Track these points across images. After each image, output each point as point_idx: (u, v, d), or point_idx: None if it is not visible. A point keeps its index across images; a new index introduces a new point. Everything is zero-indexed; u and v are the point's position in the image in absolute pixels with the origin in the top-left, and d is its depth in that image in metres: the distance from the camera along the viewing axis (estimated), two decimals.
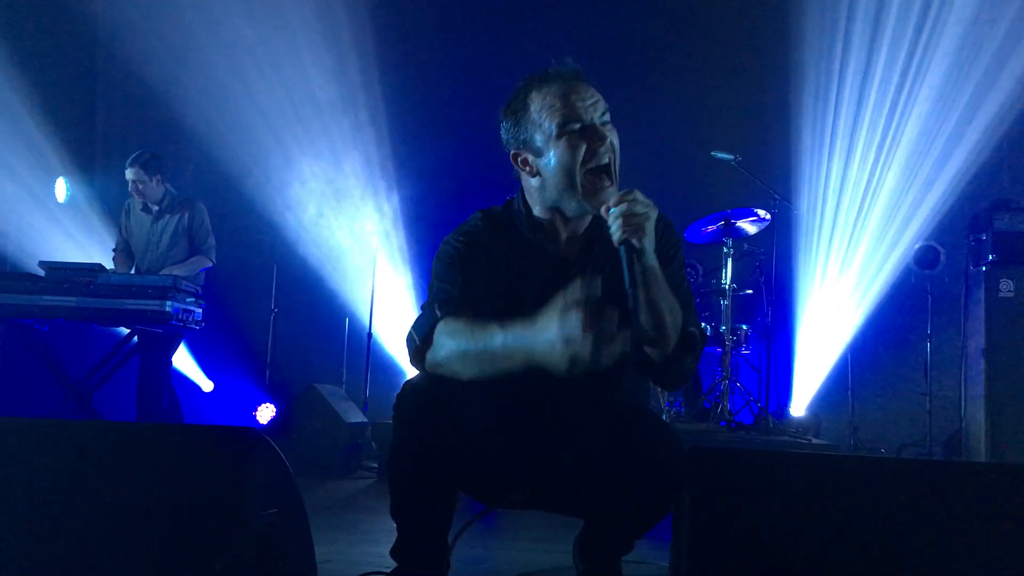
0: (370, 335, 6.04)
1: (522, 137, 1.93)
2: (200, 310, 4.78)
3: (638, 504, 1.92)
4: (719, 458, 1.74)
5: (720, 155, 5.48)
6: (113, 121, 7.04)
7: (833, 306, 6.33)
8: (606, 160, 1.89)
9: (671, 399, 5.59)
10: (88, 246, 6.20)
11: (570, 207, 1.94)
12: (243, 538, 1.55)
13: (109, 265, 5.06)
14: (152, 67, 6.52)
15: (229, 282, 6.08)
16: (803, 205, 6.43)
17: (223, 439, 1.69)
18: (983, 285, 5.01)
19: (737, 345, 5.56)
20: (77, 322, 4.54)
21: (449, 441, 1.81)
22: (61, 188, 6.30)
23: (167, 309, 4.41)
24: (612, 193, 1.85)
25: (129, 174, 5.01)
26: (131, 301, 4.42)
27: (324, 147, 6.77)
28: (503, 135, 2.00)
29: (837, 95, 6.39)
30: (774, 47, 6.46)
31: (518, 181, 2.06)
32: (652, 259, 1.80)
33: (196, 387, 6.60)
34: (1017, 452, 4.80)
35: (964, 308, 5.34)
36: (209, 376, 6.75)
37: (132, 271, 5.09)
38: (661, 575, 2.52)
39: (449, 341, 1.78)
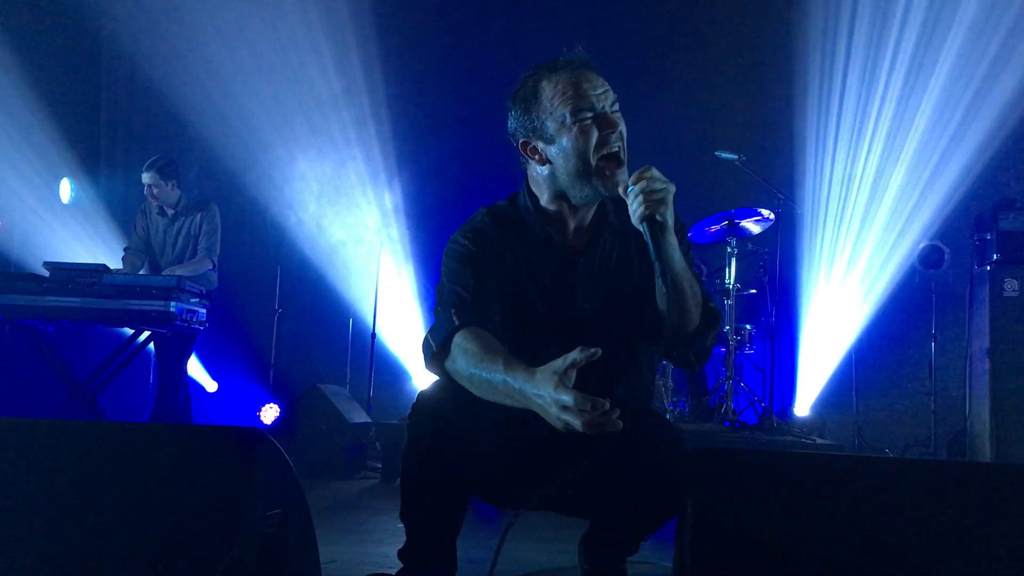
0: (374, 335, 6.04)
1: (532, 125, 1.94)
2: (204, 310, 4.80)
3: (643, 506, 1.93)
4: (723, 458, 1.73)
5: (724, 155, 5.48)
6: (117, 122, 7.05)
7: (837, 306, 6.32)
8: (616, 147, 1.91)
9: (675, 399, 5.59)
10: (92, 247, 6.22)
11: (582, 193, 1.95)
12: (247, 538, 1.55)
13: (115, 265, 5.08)
14: (156, 68, 6.53)
15: (233, 283, 6.08)
16: (807, 205, 6.42)
17: (227, 439, 1.69)
18: (988, 284, 4.99)
19: (741, 345, 5.55)
20: (81, 323, 4.56)
21: (462, 448, 1.82)
22: (65, 189, 6.31)
23: (171, 310, 4.43)
24: (624, 175, 1.87)
25: (145, 179, 5.05)
26: (135, 302, 4.43)
27: (327, 147, 6.78)
28: (511, 124, 2.00)
29: (841, 95, 6.38)
30: (778, 47, 6.46)
31: (523, 171, 2.06)
32: (673, 235, 1.82)
33: (200, 387, 6.61)
34: (1022, 452, 4.79)
35: (969, 308, 5.33)
36: (213, 376, 6.76)
37: (141, 271, 5.12)
38: (665, 575, 2.52)
39: (461, 360, 1.79)
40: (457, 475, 1.86)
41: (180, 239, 5.15)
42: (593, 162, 1.89)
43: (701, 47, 6.59)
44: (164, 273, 4.89)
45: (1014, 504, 1.57)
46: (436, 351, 1.85)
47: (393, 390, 6.43)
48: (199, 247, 5.14)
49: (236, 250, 6.08)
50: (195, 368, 6.58)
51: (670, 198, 1.80)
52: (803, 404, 6.28)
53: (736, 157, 5.46)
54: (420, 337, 1.94)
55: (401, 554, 1.96)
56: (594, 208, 2.04)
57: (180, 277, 4.58)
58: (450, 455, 1.82)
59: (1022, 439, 4.82)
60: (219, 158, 6.64)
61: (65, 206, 6.30)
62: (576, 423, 1.52)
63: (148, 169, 5.05)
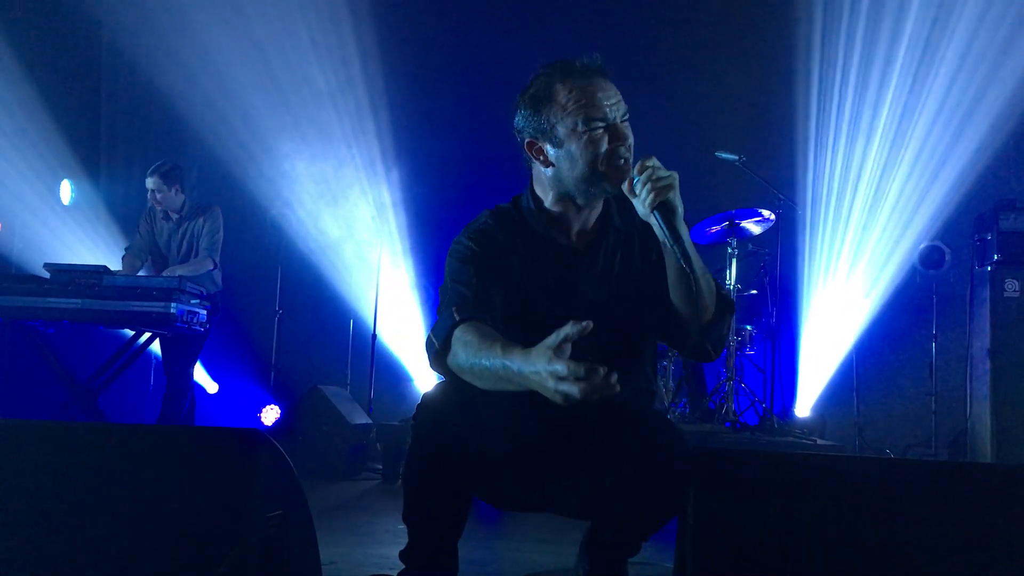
0: (374, 336, 6.04)
1: (541, 126, 1.93)
2: (205, 312, 4.80)
3: (645, 506, 1.93)
4: (724, 459, 1.74)
5: (724, 155, 5.48)
6: (118, 123, 7.05)
7: (838, 306, 6.32)
8: (624, 159, 1.91)
9: (676, 400, 5.59)
10: (93, 248, 6.22)
11: (587, 194, 1.96)
12: (248, 540, 1.55)
13: (115, 265, 5.08)
14: (157, 70, 6.53)
15: (234, 283, 6.08)
16: (807, 205, 6.43)
17: (228, 441, 1.69)
18: (988, 285, 4.99)
19: (742, 346, 5.55)
20: (82, 324, 4.56)
21: (465, 450, 1.82)
22: (66, 190, 6.32)
23: (172, 311, 4.43)
24: (630, 176, 1.88)
25: (149, 184, 5.07)
26: (136, 303, 4.44)
27: (328, 148, 6.78)
28: (519, 121, 1.99)
29: (841, 95, 6.38)
30: (778, 47, 6.46)
31: (527, 170, 2.07)
32: (683, 221, 1.83)
33: (201, 389, 6.61)
34: (1022, 452, 4.79)
35: (969, 308, 5.33)
36: (214, 378, 6.76)
37: (140, 272, 5.12)
38: (666, 575, 2.52)
39: (461, 352, 1.79)
40: (460, 477, 1.86)
41: (185, 243, 5.16)
42: (601, 167, 1.90)
43: (701, 48, 6.59)
44: (165, 274, 4.89)
45: (1015, 504, 1.57)
46: (439, 348, 1.86)
47: (394, 391, 6.44)
48: (200, 247, 5.15)
49: (237, 251, 6.08)
50: (196, 369, 6.57)
51: (676, 183, 1.81)
52: (804, 405, 6.28)
53: (736, 158, 5.46)
54: (421, 338, 1.96)
55: (403, 555, 1.96)
56: (598, 210, 2.05)
57: (181, 278, 4.58)
58: (453, 457, 1.82)
59: (1023, 440, 4.81)
60: (219, 159, 6.64)
61: (65, 207, 6.30)
62: (573, 390, 1.51)
63: (152, 174, 5.07)
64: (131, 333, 4.86)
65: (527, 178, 2.10)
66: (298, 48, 6.64)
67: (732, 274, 5.44)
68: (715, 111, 6.45)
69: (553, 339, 1.57)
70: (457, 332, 1.82)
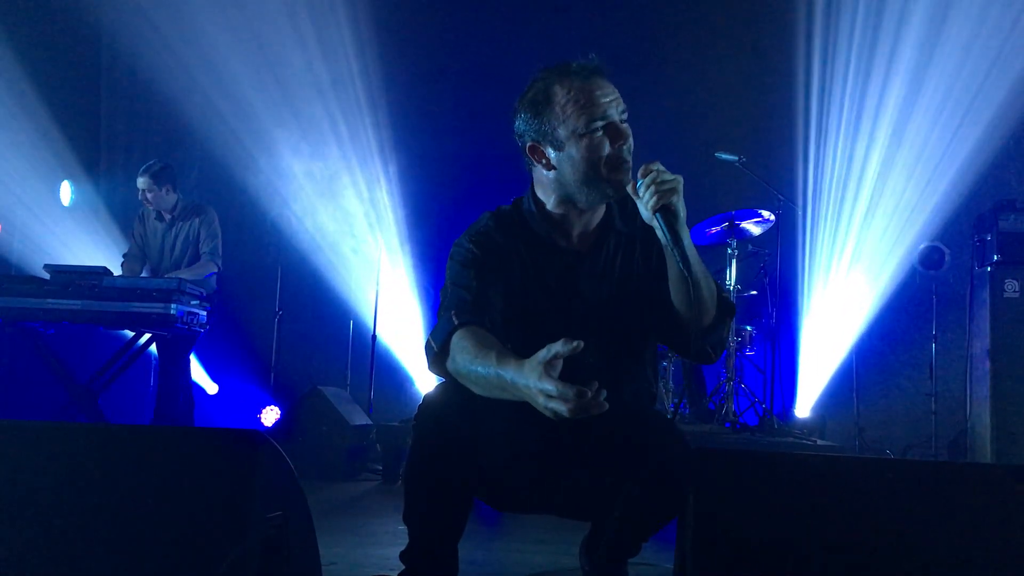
0: (374, 337, 6.04)
1: (542, 129, 1.93)
2: (205, 312, 4.80)
3: (646, 506, 1.93)
4: (724, 460, 1.74)
5: (724, 156, 5.48)
6: (118, 125, 7.06)
7: (837, 307, 6.32)
8: (625, 161, 1.92)
9: (675, 400, 5.59)
10: (93, 249, 6.22)
11: (589, 197, 1.97)
12: (248, 541, 1.55)
13: (116, 270, 5.08)
14: (156, 71, 6.54)
15: (233, 285, 6.09)
16: (807, 206, 6.43)
17: (228, 441, 1.69)
18: (988, 285, 5.00)
19: (742, 346, 5.55)
20: (82, 325, 4.56)
21: (467, 454, 1.83)
22: (66, 192, 6.32)
23: (172, 312, 4.43)
24: (630, 176, 1.89)
25: (140, 184, 5.07)
26: (136, 304, 4.44)
27: (328, 149, 6.78)
28: (519, 125, 1.99)
29: (841, 95, 6.38)
30: (778, 48, 6.46)
31: (528, 173, 2.07)
32: (685, 225, 1.84)
33: (201, 390, 6.61)
34: (1022, 452, 4.79)
35: (969, 309, 5.33)
36: (214, 379, 6.76)
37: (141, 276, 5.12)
38: None
39: (459, 358, 1.80)
40: (461, 477, 1.86)
41: (178, 244, 5.16)
42: (603, 170, 1.90)
43: (701, 48, 6.60)
44: (168, 276, 4.89)
45: (1015, 505, 1.57)
46: (437, 352, 1.86)
47: (394, 392, 6.44)
48: (202, 252, 5.15)
49: (236, 252, 6.09)
50: (196, 370, 6.58)
51: (680, 187, 1.82)
52: (804, 405, 6.28)
53: (736, 158, 5.46)
54: (421, 339, 1.96)
55: (403, 556, 1.96)
56: (600, 213, 2.05)
57: (181, 279, 4.59)
58: (454, 457, 1.83)
59: (1023, 440, 4.81)
60: (219, 160, 6.65)
61: (65, 209, 6.30)
62: (561, 410, 1.52)
63: (142, 174, 5.07)
64: (131, 334, 4.87)
65: (527, 178, 2.10)
66: (298, 49, 6.65)
67: (732, 275, 5.44)
68: (715, 112, 6.45)
69: (543, 354, 1.57)
70: (455, 337, 1.83)
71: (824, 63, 6.39)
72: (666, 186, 1.79)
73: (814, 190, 6.48)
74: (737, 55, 6.56)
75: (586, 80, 1.91)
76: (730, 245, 5.46)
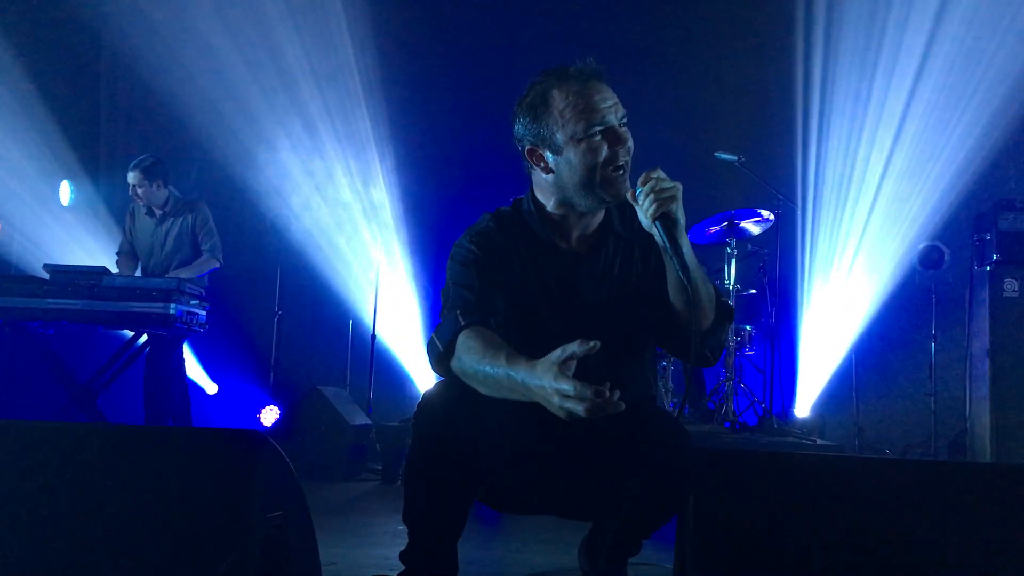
0: (374, 337, 6.04)
1: (541, 133, 1.94)
2: (204, 312, 4.80)
3: (648, 501, 1.93)
4: (723, 459, 1.74)
5: (723, 156, 5.48)
6: (117, 124, 7.05)
7: (837, 306, 6.32)
8: (623, 162, 1.92)
9: (675, 400, 5.59)
10: (92, 249, 6.22)
11: (586, 202, 1.97)
12: (247, 541, 1.55)
13: (113, 268, 5.08)
14: (156, 71, 6.53)
15: (233, 284, 6.08)
16: (807, 205, 6.42)
17: (227, 442, 1.69)
18: (988, 285, 5.00)
19: (741, 346, 5.55)
20: (82, 325, 4.56)
21: (467, 452, 1.83)
22: (65, 191, 6.32)
23: (171, 312, 4.43)
24: (628, 183, 1.91)
25: (130, 178, 5.07)
26: (135, 304, 4.44)
27: (328, 149, 6.78)
28: (518, 129, 2.00)
29: (841, 95, 6.38)
30: (777, 47, 6.46)
31: (528, 176, 2.07)
32: (685, 232, 1.85)
33: (200, 390, 6.61)
34: (1022, 452, 4.79)
35: (969, 308, 5.33)
36: (213, 378, 6.76)
37: (136, 273, 5.11)
38: None
39: (465, 358, 1.80)
40: (460, 475, 1.86)
41: (169, 240, 5.14)
42: (599, 175, 1.91)
43: (700, 48, 6.60)
44: (167, 276, 4.89)
45: (1015, 504, 1.57)
46: (442, 352, 1.86)
47: (393, 392, 6.43)
48: (203, 248, 5.14)
49: (236, 252, 6.08)
50: (195, 370, 6.58)
51: (680, 195, 1.83)
52: (803, 405, 6.27)
53: (735, 158, 5.46)
54: (420, 339, 1.97)
55: (402, 556, 1.96)
56: (599, 215, 2.06)
57: (180, 279, 4.59)
58: (453, 455, 1.83)
59: (1022, 439, 4.82)
60: (219, 160, 6.64)
61: (65, 208, 6.30)
62: (578, 410, 1.53)
63: (132, 169, 5.07)
64: (130, 334, 4.86)
65: (527, 179, 2.10)
66: (297, 49, 6.64)
67: (731, 274, 5.44)
68: (714, 111, 6.45)
69: (558, 355, 1.57)
70: (461, 337, 1.83)
71: (824, 63, 6.39)
72: (665, 194, 1.80)
73: (813, 189, 6.48)
74: (737, 55, 6.56)
75: (584, 84, 1.91)
76: (729, 244, 5.46)
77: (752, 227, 5.53)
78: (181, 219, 5.15)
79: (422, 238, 6.78)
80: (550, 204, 2.03)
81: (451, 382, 1.86)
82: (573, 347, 1.56)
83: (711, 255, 5.91)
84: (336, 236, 6.72)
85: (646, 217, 1.83)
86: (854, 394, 6.13)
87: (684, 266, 1.80)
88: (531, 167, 2.02)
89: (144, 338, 4.85)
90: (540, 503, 2.14)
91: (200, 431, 1.83)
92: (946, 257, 5.84)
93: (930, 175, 6.15)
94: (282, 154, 6.74)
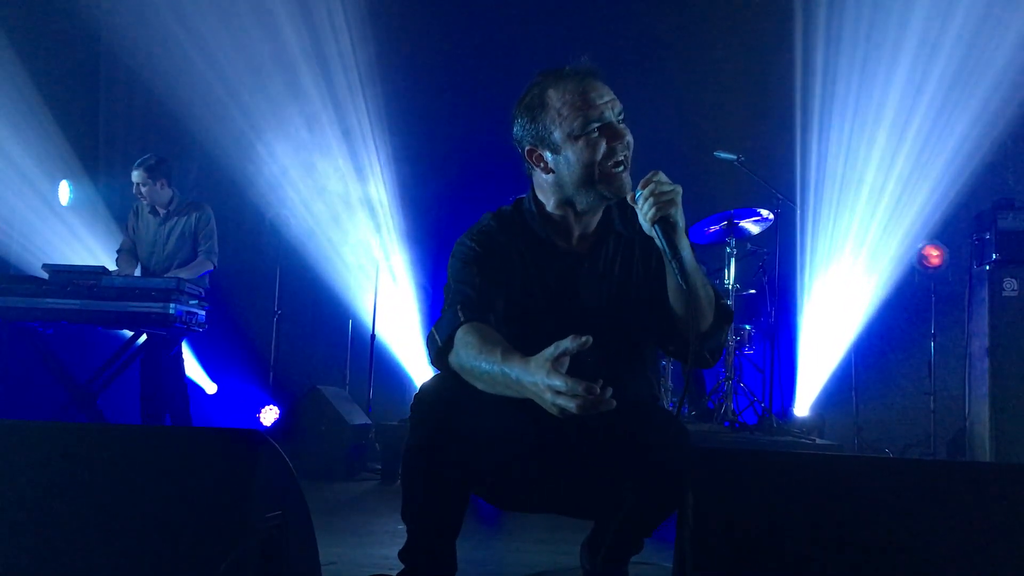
0: (373, 337, 6.04)
1: (539, 133, 1.95)
2: (203, 312, 4.80)
3: (649, 498, 1.93)
4: (723, 459, 1.74)
5: (723, 155, 5.47)
6: (116, 124, 7.05)
7: (836, 306, 6.32)
8: (622, 157, 1.93)
9: (674, 400, 5.59)
10: (92, 249, 6.22)
11: (587, 200, 1.98)
12: (247, 541, 1.55)
13: (112, 265, 5.08)
14: (155, 70, 6.54)
15: (232, 284, 6.09)
16: (806, 205, 6.42)
17: (227, 441, 1.69)
18: (987, 284, 5.00)
19: (741, 345, 5.55)
20: (81, 325, 4.56)
21: (463, 445, 1.83)
22: (65, 191, 6.32)
23: (170, 311, 4.43)
24: (629, 181, 1.91)
25: (134, 177, 5.07)
26: (134, 304, 4.44)
27: (327, 148, 6.78)
28: (517, 131, 2.00)
29: (840, 94, 6.38)
30: (776, 47, 6.46)
31: (528, 176, 2.08)
32: (685, 235, 1.85)
33: (200, 389, 6.61)
34: (1022, 451, 4.79)
35: (968, 307, 5.33)
36: (213, 378, 6.76)
37: (135, 272, 5.11)
38: (665, 575, 2.52)
39: (462, 353, 1.81)
40: (457, 468, 1.86)
41: (172, 239, 5.14)
42: (597, 172, 1.91)
43: (700, 47, 6.60)
44: (167, 276, 4.89)
45: (1014, 504, 1.57)
46: (441, 346, 1.86)
47: (393, 391, 6.43)
48: (199, 250, 5.15)
49: (235, 251, 6.08)
50: (195, 370, 6.58)
51: (679, 199, 1.83)
52: (803, 404, 6.28)
53: (735, 157, 5.46)
54: (419, 338, 1.97)
55: (402, 555, 1.96)
56: (599, 215, 2.06)
57: (180, 279, 4.59)
58: (450, 448, 1.83)
59: (1022, 438, 4.82)
60: (218, 159, 6.64)
61: (64, 208, 6.30)
62: (570, 406, 1.53)
63: (137, 167, 5.07)
64: (130, 334, 4.86)
65: (526, 179, 2.11)
66: (296, 49, 6.64)
67: (731, 274, 5.44)
68: (713, 110, 6.45)
69: (552, 351, 1.57)
70: (460, 332, 1.84)
71: (823, 62, 6.39)
72: (665, 197, 1.80)
73: (813, 189, 6.47)
74: (736, 54, 6.56)
75: (580, 82, 1.91)
76: (729, 244, 5.46)
77: (751, 226, 5.54)
78: (184, 219, 5.15)
79: (422, 237, 6.78)
80: (550, 204, 2.04)
81: (448, 376, 1.87)
82: (566, 343, 1.56)
83: (710, 254, 5.91)
84: (336, 236, 6.72)
85: (645, 220, 1.83)
86: (853, 393, 6.13)
87: (683, 270, 1.80)
88: (531, 168, 2.03)
89: (143, 338, 4.84)
90: (540, 501, 2.14)
91: (200, 431, 1.83)
92: (945, 256, 5.84)
93: (929, 174, 6.15)
94: (281, 153, 6.74)
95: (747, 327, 5.62)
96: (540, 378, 1.57)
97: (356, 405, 5.60)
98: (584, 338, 1.55)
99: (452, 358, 1.84)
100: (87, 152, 6.63)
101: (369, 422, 5.44)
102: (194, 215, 5.16)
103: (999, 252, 4.97)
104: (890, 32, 6.17)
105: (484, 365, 1.73)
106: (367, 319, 6.21)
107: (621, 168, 1.93)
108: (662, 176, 1.83)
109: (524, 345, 1.73)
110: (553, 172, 1.97)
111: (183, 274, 4.92)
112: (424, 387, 1.90)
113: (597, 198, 1.97)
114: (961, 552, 1.55)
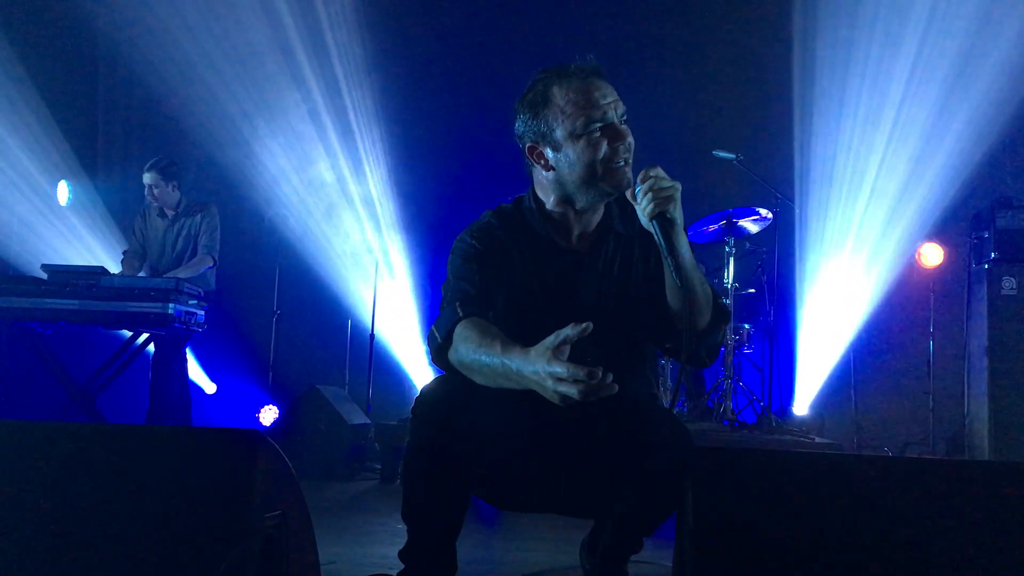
0: (372, 336, 6.04)
1: (541, 130, 1.95)
2: (203, 312, 4.80)
3: (648, 498, 1.92)
4: (722, 458, 1.74)
5: (721, 154, 5.48)
6: (115, 124, 7.05)
7: (835, 304, 6.32)
8: (623, 158, 1.93)
9: (673, 399, 5.58)
10: (91, 249, 6.21)
11: (587, 197, 1.99)
12: (247, 540, 1.55)
13: (113, 267, 5.08)
14: (153, 70, 6.53)
15: (231, 284, 6.08)
16: (805, 203, 6.43)
17: (226, 441, 1.69)
18: (985, 283, 5.01)
19: (740, 344, 5.55)
20: (80, 325, 4.56)
21: (464, 445, 1.83)
22: (63, 191, 6.31)
23: (169, 311, 4.43)
24: (630, 177, 1.91)
25: (146, 179, 5.07)
26: (134, 304, 4.44)
27: (325, 147, 6.78)
28: (518, 127, 2.00)
29: (838, 93, 6.38)
30: (775, 45, 6.46)
31: (529, 173, 2.08)
32: (683, 232, 1.85)
33: (199, 389, 6.61)
34: (1021, 449, 4.80)
35: (967, 306, 5.34)
36: (212, 378, 6.75)
37: (141, 273, 5.12)
38: (665, 575, 2.52)
39: (462, 347, 1.81)
40: (458, 469, 1.86)
41: (180, 241, 5.17)
42: (600, 171, 1.91)
43: (698, 46, 6.59)
44: (166, 276, 4.89)
45: (1013, 502, 1.57)
46: (441, 343, 1.87)
47: (392, 391, 6.43)
48: (199, 245, 5.16)
49: (234, 251, 6.08)
50: (194, 370, 6.57)
51: (678, 195, 1.83)
52: (802, 403, 6.28)
53: (734, 156, 5.46)
54: (419, 337, 1.97)
55: (402, 554, 1.96)
56: (600, 213, 2.06)
57: (179, 279, 4.59)
58: (451, 449, 1.83)
59: (1021, 436, 4.83)
60: (216, 160, 6.64)
61: (63, 208, 6.29)
62: (572, 392, 1.53)
63: (150, 170, 5.07)
64: (129, 334, 4.86)
65: (526, 176, 2.11)
66: (295, 48, 6.64)
67: (730, 273, 5.44)
68: (712, 110, 6.45)
69: (552, 340, 1.58)
70: (459, 327, 1.84)
71: (821, 61, 6.39)
72: (663, 193, 1.81)
73: (812, 188, 6.48)
74: (735, 52, 6.55)
75: (584, 81, 1.91)
76: (728, 243, 5.46)
77: (750, 225, 5.54)
78: (191, 221, 5.17)
79: (421, 236, 6.79)
80: (550, 202, 2.04)
81: (449, 377, 1.87)
82: (567, 331, 1.56)
83: (709, 253, 5.91)
84: (335, 235, 6.72)
85: (643, 215, 1.83)
86: (852, 392, 6.13)
87: (680, 267, 1.81)
88: (532, 165, 2.03)
89: (143, 338, 4.84)
90: (539, 500, 2.14)
91: (199, 431, 1.83)
92: (944, 255, 5.84)
93: (928, 173, 6.15)
94: (280, 153, 6.74)
95: (746, 326, 5.62)
96: (541, 366, 1.57)
97: (355, 405, 5.60)
98: (584, 324, 1.55)
99: (452, 354, 1.84)
100: (86, 152, 6.62)
101: (368, 422, 5.44)
102: (199, 216, 5.18)
103: (998, 251, 4.98)
104: (889, 30, 6.17)
105: (484, 358, 1.73)
106: (366, 318, 6.21)
107: (622, 165, 1.93)
108: (661, 172, 1.83)
109: (523, 343, 1.73)
110: (553, 169, 1.97)
111: (183, 273, 4.92)
112: (425, 388, 1.91)
113: (598, 195, 1.97)
114: (960, 550, 1.55)
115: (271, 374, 6.46)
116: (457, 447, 1.83)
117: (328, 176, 6.72)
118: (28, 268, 5.46)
